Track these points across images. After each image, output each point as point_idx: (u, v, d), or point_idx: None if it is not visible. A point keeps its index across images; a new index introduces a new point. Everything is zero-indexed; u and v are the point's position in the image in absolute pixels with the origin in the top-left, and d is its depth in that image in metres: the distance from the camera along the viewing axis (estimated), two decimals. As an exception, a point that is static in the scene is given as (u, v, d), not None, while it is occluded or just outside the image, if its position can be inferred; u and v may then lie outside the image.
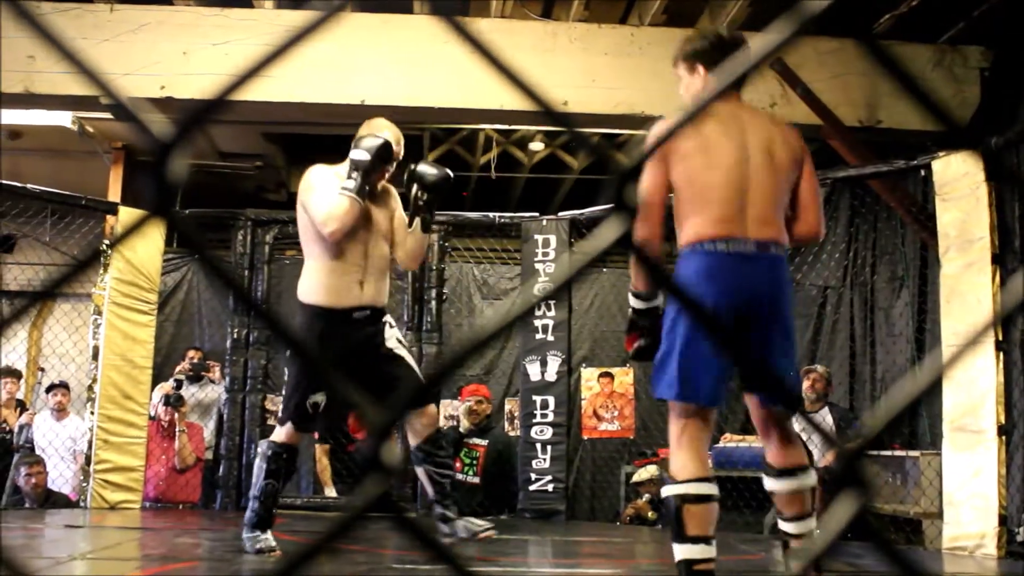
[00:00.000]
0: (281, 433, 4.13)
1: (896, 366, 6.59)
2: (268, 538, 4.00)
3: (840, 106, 6.15)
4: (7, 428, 7.05)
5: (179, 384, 6.81)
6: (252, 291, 6.85)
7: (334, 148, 8.49)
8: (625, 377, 7.02)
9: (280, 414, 4.29)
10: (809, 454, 3.30)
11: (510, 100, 5.94)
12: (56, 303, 8.68)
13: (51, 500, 6.39)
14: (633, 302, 2.96)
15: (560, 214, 7.13)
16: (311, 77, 6.00)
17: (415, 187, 4.18)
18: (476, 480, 6.64)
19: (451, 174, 4.29)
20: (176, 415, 6.66)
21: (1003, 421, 4.89)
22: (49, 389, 7.07)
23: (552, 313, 6.82)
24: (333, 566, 3.34)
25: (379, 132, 4.12)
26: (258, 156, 8.66)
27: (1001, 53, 6.32)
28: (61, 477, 6.72)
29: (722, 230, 2.79)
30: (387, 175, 4.21)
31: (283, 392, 4.39)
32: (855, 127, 6.27)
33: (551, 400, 6.79)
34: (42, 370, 9.10)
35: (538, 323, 6.82)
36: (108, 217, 6.71)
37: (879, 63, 0.63)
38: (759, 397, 2.92)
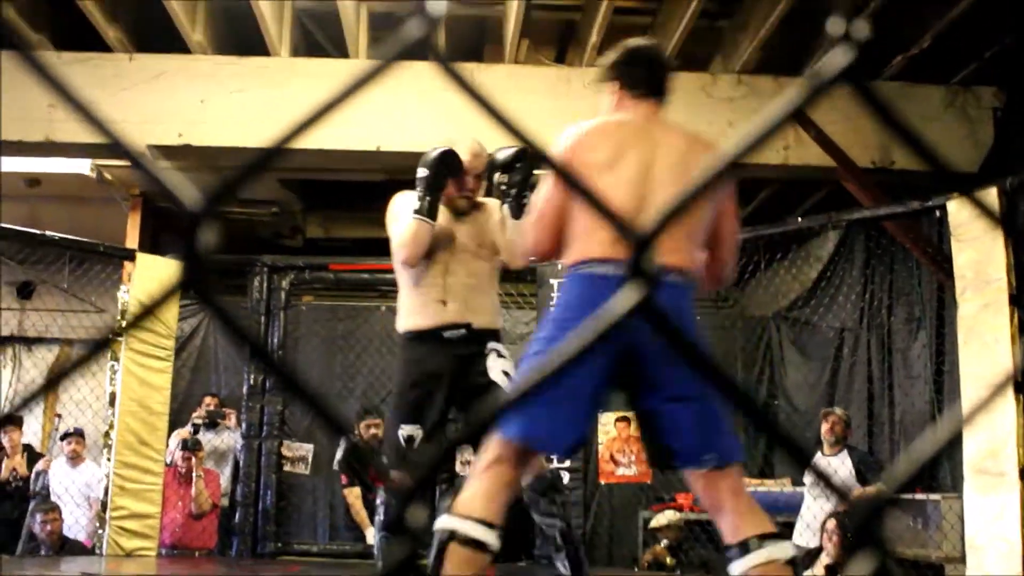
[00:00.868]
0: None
1: (915, 408, 6.53)
2: None
3: (853, 148, 6.16)
4: (18, 476, 7.02)
5: (196, 429, 6.82)
6: (269, 337, 6.86)
7: (351, 194, 8.61)
8: (642, 421, 6.97)
9: (386, 460, 4.03)
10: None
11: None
12: (73, 349, 8.74)
13: (67, 547, 6.37)
14: None
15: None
16: (327, 123, 6.03)
17: (495, 177, 3.78)
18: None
19: (526, 148, 3.64)
20: (194, 460, 6.65)
21: (1025, 463, 4.84)
22: (63, 437, 7.07)
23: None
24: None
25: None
26: (274, 202, 8.72)
27: (1014, 93, 6.33)
28: (77, 524, 6.70)
29: (610, 252, 2.40)
30: (468, 188, 3.89)
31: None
32: (869, 169, 6.27)
33: (568, 444, 6.72)
34: (59, 416, 9.11)
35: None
36: (126, 264, 6.75)
37: (875, 110, 0.63)
38: (677, 462, 2.49)
